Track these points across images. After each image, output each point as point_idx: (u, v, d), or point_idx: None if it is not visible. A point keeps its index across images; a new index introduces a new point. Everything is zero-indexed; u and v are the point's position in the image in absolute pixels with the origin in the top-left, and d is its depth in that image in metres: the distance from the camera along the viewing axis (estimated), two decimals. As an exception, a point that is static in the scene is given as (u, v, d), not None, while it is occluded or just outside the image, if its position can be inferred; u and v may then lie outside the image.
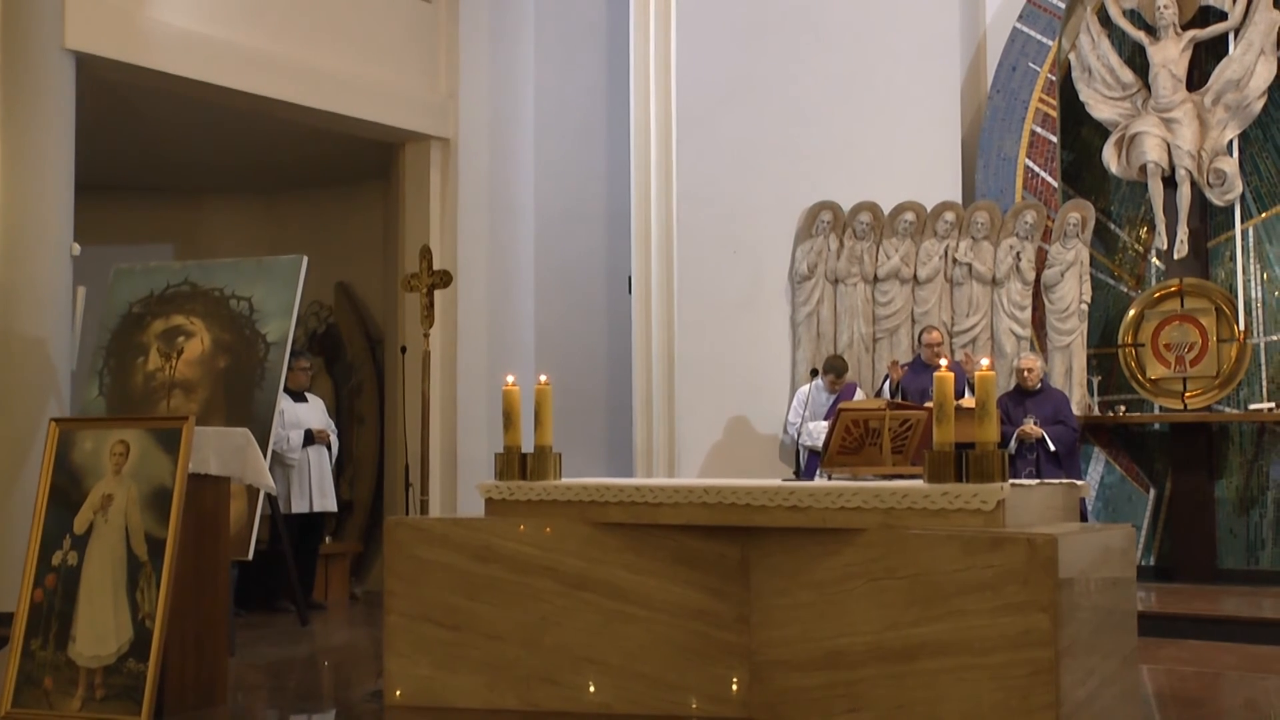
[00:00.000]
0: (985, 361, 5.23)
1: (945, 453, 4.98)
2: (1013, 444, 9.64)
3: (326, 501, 9.87)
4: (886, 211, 10.85)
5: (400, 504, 10.20)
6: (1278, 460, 10.30)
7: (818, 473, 7.89)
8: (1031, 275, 10.74)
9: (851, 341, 10.76)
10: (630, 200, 10.81)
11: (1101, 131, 10.94)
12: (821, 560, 5.06)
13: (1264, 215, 10.53)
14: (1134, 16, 10.91)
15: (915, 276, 10.84)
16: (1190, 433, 10.41)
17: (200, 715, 5.63)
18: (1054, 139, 10.93)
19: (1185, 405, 10.49)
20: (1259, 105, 10.44)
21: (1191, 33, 10.66)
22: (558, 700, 5.44)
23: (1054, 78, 10.96)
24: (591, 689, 5.42)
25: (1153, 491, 10.57)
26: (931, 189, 10.87)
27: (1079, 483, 5.87)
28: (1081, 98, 10.98)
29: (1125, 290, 10.93)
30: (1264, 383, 10.39)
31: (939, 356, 9.33)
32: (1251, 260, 10.52)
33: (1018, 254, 10.72)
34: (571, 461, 6.52)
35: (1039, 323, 10.78)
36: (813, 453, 9.69)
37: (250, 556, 8.14)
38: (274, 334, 8.47)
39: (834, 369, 10.14)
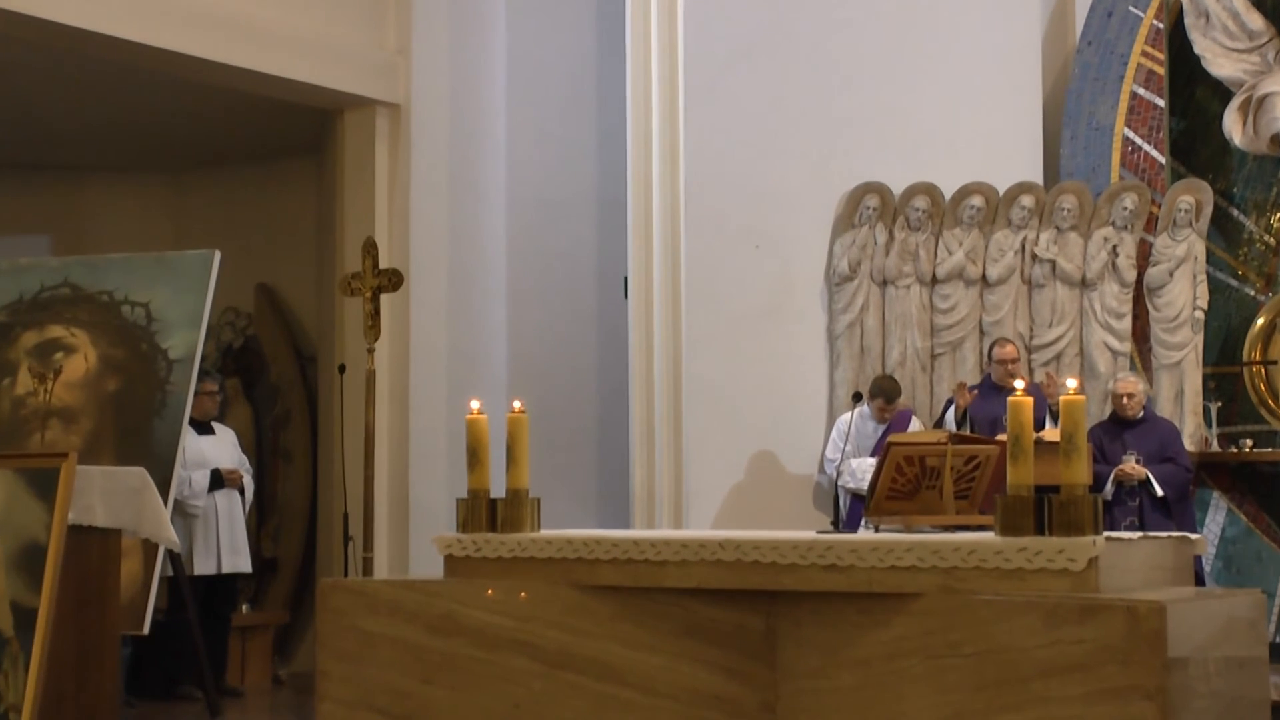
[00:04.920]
0: (1073, 383, 5.23)
1: (1022, 498, 4.97)
2: (1109, 487, 9.62)
3: (239, 560, 9.86)
4: (948, 196, 10.86)
5: (337, 562, 10.18)
6: None
7: (862, 523, 7.88)
8: (1132, 275, 10.73)
9: (904, 358, 10.76)
10: (626, 183, 10.82)
11: (1222, 93, 10.93)
12: (867, 633, 5.05)
13: None
14: (1263, -53, 10.94)
15: (984, 276, 10.84)
16: (1334, 473, 10.41)
17: (82, 830, 5.62)
18: (1161, 103, 10.93)
19: (1327, 438, 10.49)
20: None
21: (1337, -33, 10.68)
22: (534, 811, 5.43)
23: (1161, 25, 10.96)
24: (577, 797, 5.41)
25: (1287, 547, 10.56)
26: (1005, 167, 10.87)
27: (1193, 536, 5.86)
28: (1196, 50, 10.97)
29: (1252, 294, 10.92)
30: None
31: (1014, 376, 9.32)
32: None
33: (1114, 248, 10.72)
34: (553, 509, 6.50)
35: (1141, 335, 10.77)
36: (856, 497, 9.68)
37: (146, 630, 8.11)
38: (178, 349, 8.47)
39: (883, 392, 10.13)
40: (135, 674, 9.50)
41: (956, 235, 10.84)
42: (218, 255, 8.76)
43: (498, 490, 5.97)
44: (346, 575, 9.63)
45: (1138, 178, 10.90)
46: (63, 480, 5.60)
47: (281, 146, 12.14)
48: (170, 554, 8.42)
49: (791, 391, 10.71)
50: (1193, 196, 10.72)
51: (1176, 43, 11.03)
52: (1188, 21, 11.01)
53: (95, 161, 12.73)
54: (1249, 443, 10.63)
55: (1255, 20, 10.84)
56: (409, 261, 10.79)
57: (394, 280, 9.71)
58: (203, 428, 9.81)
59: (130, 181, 12.88)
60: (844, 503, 9.96)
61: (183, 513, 9.49)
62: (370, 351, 9.70)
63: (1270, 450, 10.59)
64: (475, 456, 5.99)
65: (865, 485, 8.59)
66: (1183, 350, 10.68)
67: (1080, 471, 4.96)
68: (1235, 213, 11.03)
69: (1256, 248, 10.99)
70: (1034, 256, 10.83)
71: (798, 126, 10.81)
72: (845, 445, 9.93)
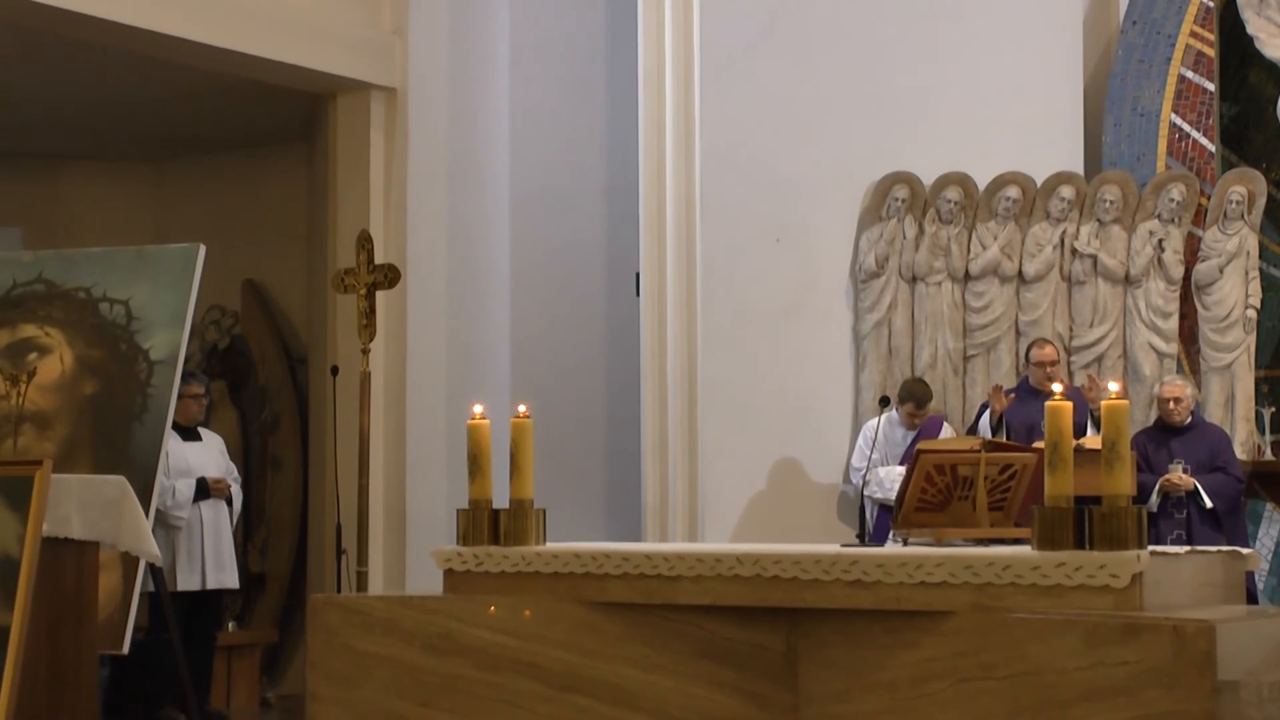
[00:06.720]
0: (1115, 386, 5.24)
1: (1061, 509, 4.97)
2: (1154, 498, 9.62)
3: (225, 575, 9.86)
4: (982, 186, 10.86)
5: (329, 578, 10.19)
6: None
7: (889, 535, 7.87)
8: (1179, 271, 10.72)
9: (935, 360, 10.76)
10: (638, 172, 10.82)
11: (1277, 76, 10.93)
12: (894, 654, 5.05)
13: None
14: (1321, -81, 10.92)
15: (1020, 273, 10.84)
16: (1397, 484, 10.40)
17: None
18: (1211, 87, 10.92)
19: (1390, 447, 10.48)
20: None
21: (1399, -60, 10.68)
22: (539, 843, 5.44)
23: (1211, 4, 10.95)
24: (585, 828, 5.42)
25: (1347, 564, 10.55)
26: (1043, 156, 10.86)
27: (1245, 551, 5.86)
28: (1249, 30, 10.96)
29: (1307, 291, 10.93)
30: None
31: (1053, 379, 9.31)
32: None
33: (1160, 242, 10.71)
34: (560, 521, 6.51)
35: (1189, 335, 10.76)
36: (883, 508, 9.69)
37: (125, 649, 8.12)
38: (160, 350, 8.47)
39: (913, 397, 10.13)
40: (113, 696, 9.50)
41: (991, 229, 10.84)
42: (202, 249, 8.75)
43: (500, 500, 5.98)
44: (339, 591, 9.63)
45: (1186, 167, 10.89)
46: (36, 489, 5.61)
47: (270, 133, 12.15)
48: (151, 568, 8.40)
49: (814, 395, 10.71)
50: (1245, 187, 10.71)
51: (1228, 22, 11.02)
52: (1240, 0, 11.01)
53: (71, 149, 12.74)
54: (1305, 451, 10.64)
55: (1313, -2, 10.84)
56: (406, 256, 10.80)
57: (390, 276, 9.71)
58: (187, 433, 9.82)
59: (108, 170, 12.89)
60: (870, 514, 9.94)
61: (165, 524, 9.49)
62: (365, 352, 9.70)
63: (1328, 459, 10.59)
64: (476, 464, 6.00)
65: (893, 495, 8.59)
66: (1234, 352, 10.67)
67: (1123, 481, 4.97)
68: (1291, 205, 11.03)
69: (1313, 242, 11.00)
70: (1074, 251, 10.82)
71: (821, 111, 10.80)
72: (872, 453, 9.94)
